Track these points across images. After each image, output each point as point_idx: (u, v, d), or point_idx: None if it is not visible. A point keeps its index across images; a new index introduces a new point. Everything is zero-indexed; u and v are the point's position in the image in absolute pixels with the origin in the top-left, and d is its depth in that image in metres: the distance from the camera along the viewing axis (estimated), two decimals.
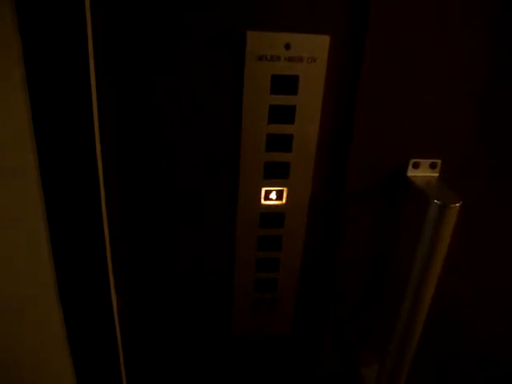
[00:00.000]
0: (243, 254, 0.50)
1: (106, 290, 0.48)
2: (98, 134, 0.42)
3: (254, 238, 0.50)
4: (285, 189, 0.48)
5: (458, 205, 0.44)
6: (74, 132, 0.40)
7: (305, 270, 0.53)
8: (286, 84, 0.43)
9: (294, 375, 0.61)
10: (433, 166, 0.49)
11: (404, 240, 0.52)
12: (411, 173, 0.49)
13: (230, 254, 0.50)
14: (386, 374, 0.55)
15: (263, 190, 0.47)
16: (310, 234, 0.51)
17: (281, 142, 0.45)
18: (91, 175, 0.43)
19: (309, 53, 0.43)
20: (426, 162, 0.49)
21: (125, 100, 0.42)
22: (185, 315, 0.54)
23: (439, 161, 0.49)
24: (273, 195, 0.48)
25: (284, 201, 0.48)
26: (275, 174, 0.47)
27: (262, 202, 0.48)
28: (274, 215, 0.49)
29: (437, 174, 0.49)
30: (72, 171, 0.42)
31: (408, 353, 0.52)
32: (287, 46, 0.42)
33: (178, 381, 0.58)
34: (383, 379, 0.56)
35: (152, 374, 0.57)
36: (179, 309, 0.53)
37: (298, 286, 0.54)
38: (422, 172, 0.49)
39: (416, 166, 0.49)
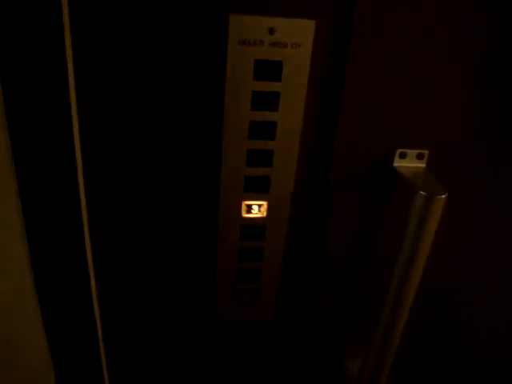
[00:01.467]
0: (226, 244, 0.50)
1: (86, 280, 0.47)
2: (77, 133, 0.41)
3: (237, 227, 0.49)
4: (269, 176, 0.47)
5: (443, 196, 0.43)
6: (52, 133, 0.39)
7: (288, 259, 0.52)
8: (269, 70, 0.42)
9: (279, 365, 0.60)
10: (420, 157, 0.48)
11: (390, 231, 0.52)
12: (398, 163, 0.48)
13: (213, 244, 0.50)
14: (370, 368, 0.55)
15: (244, 177, 0.46)
16: (294, 223, 0.50)
17: (264, 130, 0.44)
18: (69, 168, 0.42)
19: (293, 38, 0.41)
20: (412, 153, 0.48)
21: (104, 97, 0.41)
22: (167, 306, 0.53)
23: (426, 151, 0.48)
24: (256, 184, 0.47)
25: (268, 191, 0.47)
26: (259, 161, 0.46)
27: (244, 193, 0.47)
28: (257, 207, 0.48)
29: (424, 165, 0.48)
30: (49, 166, 0.41)
31: (391, 346, 0.51)
32: (271, 31, 0.41)
33: (161, 372, 0.58)
34: (366, 372, 0.55)
35: (134, 365, 0.57)
36: (161, 300, 0.52)
37: (282, 276, 0.53)
38: (409, 163, 0.48)
39: (403, 156, 0.48)
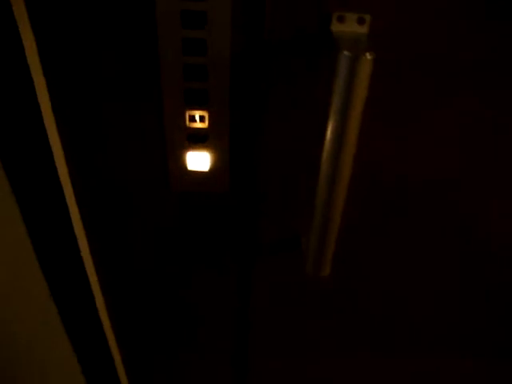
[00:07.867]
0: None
1: None
2: None
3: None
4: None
5: (369, 57, 0.41)
6: None
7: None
8: None
9: (235, 240, 0.64)
10: (361, 21, 0.45)
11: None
12: (336, 28, 0.46)
13: None
14: (314, 247, 0.56)
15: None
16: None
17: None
18: None
19: None
20: (352, 17, 0.45)
21: None
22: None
23: (368, 16, 0.45)
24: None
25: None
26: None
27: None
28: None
29: (365, 31, 0.46)
30: None
31: (329, 224, 0.52)
32: None
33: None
34: (311, 250, 0.57)
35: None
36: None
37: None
38: (348, 27, 0.46)
39: (341, 19, 0.46)
